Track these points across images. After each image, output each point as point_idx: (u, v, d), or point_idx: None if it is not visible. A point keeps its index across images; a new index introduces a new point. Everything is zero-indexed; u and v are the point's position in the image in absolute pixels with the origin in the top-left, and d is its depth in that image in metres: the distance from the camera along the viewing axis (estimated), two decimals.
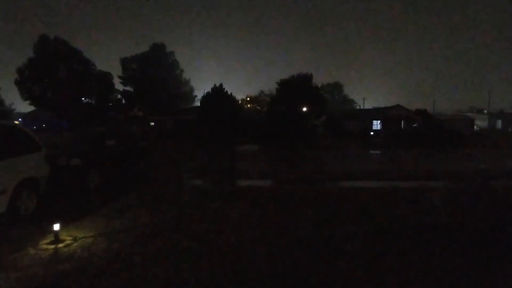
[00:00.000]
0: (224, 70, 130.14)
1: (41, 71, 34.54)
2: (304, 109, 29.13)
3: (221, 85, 32.36)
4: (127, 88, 42.11)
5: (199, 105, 34.45)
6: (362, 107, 60.58)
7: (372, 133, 37.84)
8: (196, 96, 48.44)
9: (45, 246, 4.49)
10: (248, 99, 63.02)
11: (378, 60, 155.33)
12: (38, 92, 35.26)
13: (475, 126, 51.17)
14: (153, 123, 38.44)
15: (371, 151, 21.68)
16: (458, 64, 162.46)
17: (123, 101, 39.95)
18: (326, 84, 70.13)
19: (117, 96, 39.36)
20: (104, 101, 37.05)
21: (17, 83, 34.89)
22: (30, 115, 50.23)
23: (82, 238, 4.81)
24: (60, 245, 4.53)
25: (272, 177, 10.77)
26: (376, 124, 41.51)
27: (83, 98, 37.57)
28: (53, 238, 4.65)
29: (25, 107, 40.00)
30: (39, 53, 34.90)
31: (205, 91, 33.19)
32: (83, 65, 36.31)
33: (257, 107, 54.62)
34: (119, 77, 41.55)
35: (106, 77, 37.74)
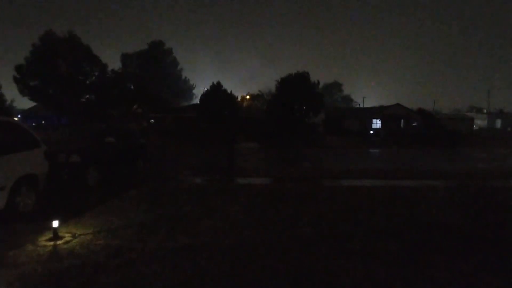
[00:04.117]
0: (224, 68, 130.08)
1: (43, 66, 34.36)
2: (304, 107, 29.11)
3: (218, 82, 32.32)
4: (127, 85, 42.05)
5: (198, 102, 34.40)
6: (362, 106, 60.59)
7: (371, 132, 37.87)
8: (195, 93, 48.41)
9: (44, 243, 4.48)
10: (247, 97, 62.95)
11: (378, 59, 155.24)
12: (39, 87, 35.09)
13: (474, 126, 51.24)
14: (152, 121, 38.39)
15: (371, 150, 21.70)
16: (458, 63, 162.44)
17: (123, 98, 39.85)
18: (326, 84, 70.10)
19: (117, 92, 39.23)
20: (104, 97, 36.90)
21: (16, 79, 34.72)
22: (29, 111, 50.12)
23: (81, 235, 4.80)
24: (59, 242, 4.52)
25: (271, 175, 10.77)
26: (376, 123, 41.52)
27: (83, 95, 37.44)
28: (52, 235, 4.64)
29: (24, 103, 39.76)
30: (43, 47, 34.71)
31: (205, 89, 33.18)
32: (89, 61, 36.09)
33: (257, 104, 54.54)
34: (119, 73, 41.47)
35: (113, 74, 37.62)
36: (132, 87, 40.69)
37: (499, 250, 4.30)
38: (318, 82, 31.49)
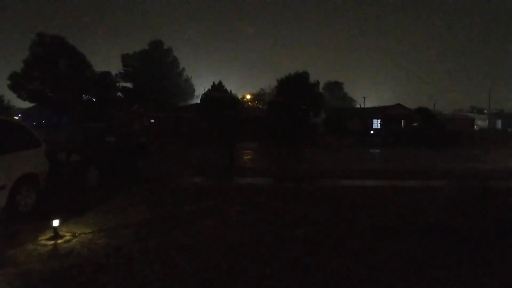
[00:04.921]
0: (225, 68, 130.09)
1: (40, 68, 34.50)
2: (303, 107, 29.12)
3: (220, 82, 32.32)
4: (128, 85, 42.18)
5: (199, 102, 34.40)
6: (362, 106, 60.52)
7: (372, 132, 37.86)
8: (196, 93, 48.41)
9: (44, 242, 4.49)
10: (248, 96, 62.96)
11: (379, 59, 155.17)
12: (37, 89, 35.24)
13: (475, 126, 51.23)
14: (153, 120, 38.42)
15: (371, 150, 21.69)
16: (459, 63, 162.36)
17: (123, 98, 39.96)
18: (327, 82, 70.19)
19: (118, 93, 39.37)
20: (104, 97, 37.01)
21: (12, 86, 34.94)
22: (30, 111, 50.15)
23: (81, 234, 4.81)
24: (59, 241, 4.53)
25: (271, 175, 10.76)
26: (376, 123, 41.51)
27: (83, 95, 37.56)
28: (52, 234, 4.65)
29: (24, 103, 39.68)
30: (37, 49, 34.92)
31: (205, 89, 33.21)
32: (80, 61, 36.26)
33: (258, 104, 54.54)
34: (120, 73, 41.56)
35: (104, 76, 37.76)
36: (132, 86, 40.75)
37: (499, 250, 4.29)
38: (318, 82, 31.48)
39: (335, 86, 73.81)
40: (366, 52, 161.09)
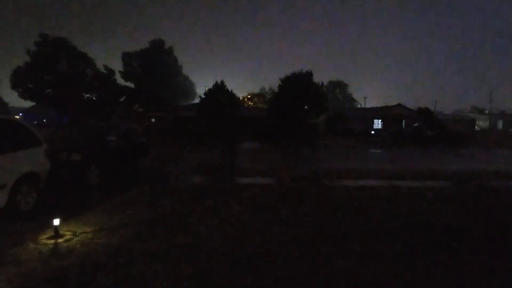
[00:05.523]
0: (226, 68, 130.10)
1: (41, 67, 34.61)
2: (305, 107, 29.06)
3: (222, 81, 32.25)
4: (128, 84, 42.14)
5: (199, 102, 34.41)
6: (363, 106, 60.47)
7: (372, 132, 37.86)
8: (197, 92, 48.36)
9: (44, 241, 4.49)
10: (249, 96, 62.97)
11: (380, 59, 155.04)
12: (39, 88, 35.35)
13: (476, 126, 51.22)
14: (153, 120, 38.45)
15: (372, 150, 21.68)
16: (460, 64, 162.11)
17: (124, 97, 39.95)
18: (329, 82, 70.10)
19: (118, 92, 39.35)
20: (105, 97, 37.06)
21: (14, 85, 35.10)
22: (31, 110, 50.21)
23: (82, 233, 4.81)
24: (60, 240, 4.53)
25: (272, 175, 10.75)
26: (377, 123, 41.50)
27: (84, 94, 37.61)
28: (53, 233, 4.65)
29: (24, 102, 39.69)
30: (39, 49, 35.05)
31: (206, 88, 33.17)
32: (81, 61, 36.38)
33: (258, 104, 54.51)
34: (120, 73, 41.53)
35: (105, 75, 37.82)
36: (133, 86, 40.74)
37: (499, 251, 4.28)
38: (323, 84, 31.45)
39: (337, 86, 73.81)
40: (367, 52, 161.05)
